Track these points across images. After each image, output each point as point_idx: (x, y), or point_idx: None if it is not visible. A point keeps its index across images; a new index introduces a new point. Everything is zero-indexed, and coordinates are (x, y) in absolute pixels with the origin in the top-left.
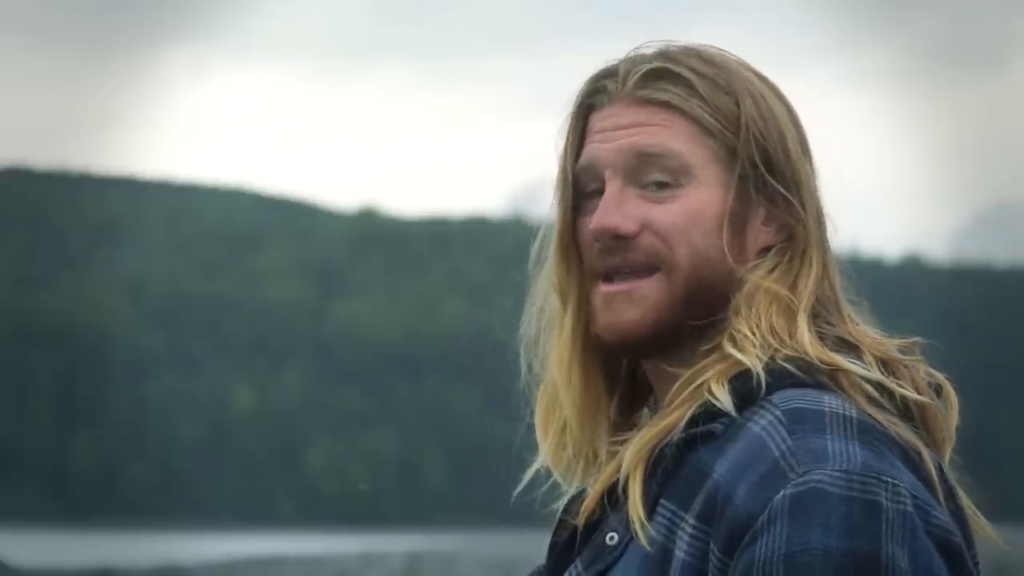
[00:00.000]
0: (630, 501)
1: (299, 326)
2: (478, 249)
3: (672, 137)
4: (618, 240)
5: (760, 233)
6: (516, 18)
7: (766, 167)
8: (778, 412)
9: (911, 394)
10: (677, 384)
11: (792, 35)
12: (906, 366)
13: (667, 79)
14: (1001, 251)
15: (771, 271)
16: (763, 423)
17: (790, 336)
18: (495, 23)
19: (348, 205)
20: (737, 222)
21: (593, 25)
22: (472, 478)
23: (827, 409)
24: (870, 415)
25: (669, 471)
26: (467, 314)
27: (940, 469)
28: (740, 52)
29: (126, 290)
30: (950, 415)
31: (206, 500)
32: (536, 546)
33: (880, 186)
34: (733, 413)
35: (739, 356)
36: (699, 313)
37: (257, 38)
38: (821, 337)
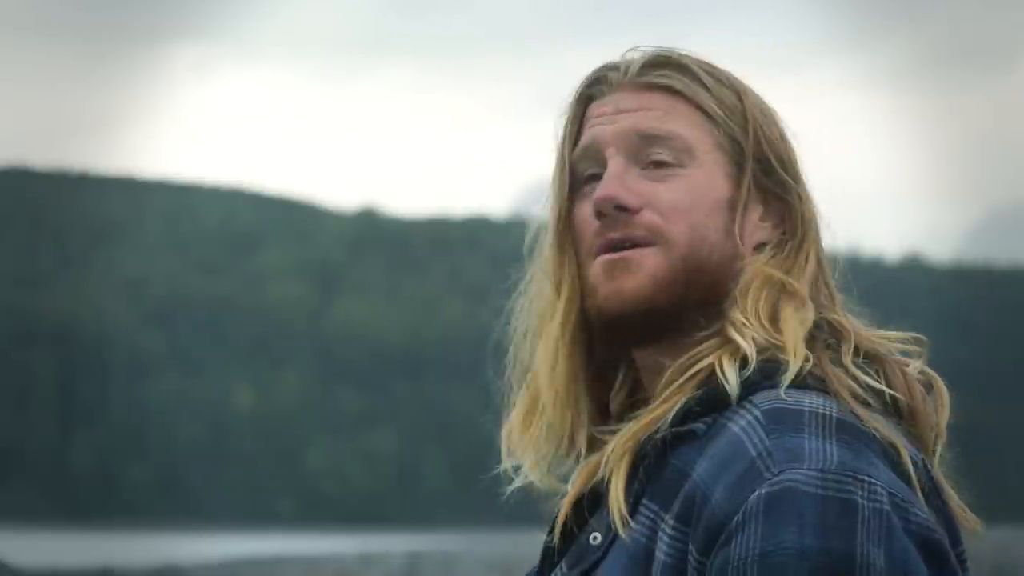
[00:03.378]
0: (611, 498)
1: (299, 326)
2: (478, 249)
3: (674, 121)
4: (620, 212)
5: (757, 228)
6: (518, 18)
7: (768, 162)
8: (757, 412)
9: (884, 388)
10: (670, 371)
11: (797, 34)
12: (895, 362)
13: (670, 67)
14: (1006, 251)
15: (768, 261)
16: (742, 423)
17: (784, 326)
18: (497, 23)
19: (348, 205)
20: (737, 210)
21: (596, 25)
22: (472, 478)
23: (807, 408)
24: (852, 413)
25: (651, 470)
26: (467, 314)
27: (924, 465)
28: (746, 51)
29: (126, 290)
30: (941, 412)
31: (206, 500)
32: (537, 546)
33: (882, 186)
34: (733, 399)
35: (740, 340)
36: (697, 299)
37: (256, 37)
38: (816, 326)
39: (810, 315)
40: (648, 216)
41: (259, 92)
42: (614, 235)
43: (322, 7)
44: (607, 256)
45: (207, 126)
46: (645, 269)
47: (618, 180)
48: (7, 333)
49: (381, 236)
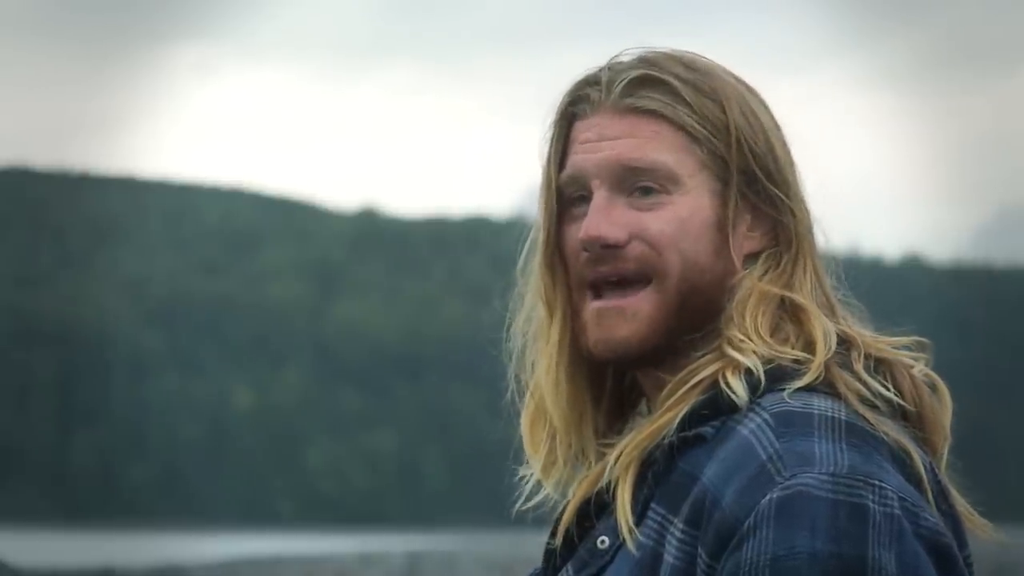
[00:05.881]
0: (618, 506)
1: (299, 326)
2: (478, 249)
3: (658, 148)
4: (607, 249)
5: (746, 239)
6: (518, 19)
7: (753, 174)
8: (766, 415)
9: (893, 396)
10: (671, 383)
11: (799, 34)
12: (902, 365)
13: (651, 86)
14: (1007, 252)
15: (764, 275)
16: (752, 426)
17: (796, 336)
18: (497, 24)
19: (348, 205)
20: (726, 228)
21: (595, 26)
22: (472, 478)
23: (816, 412)
24: (860, 416)
25: (660, 474)
26: (467, 314)
27: (932, 469)
28: (746, 51)
29: (126, 290)
30: (944, 414)
31: (206, 500)
32: (537, 546)
33: (882, 186)
34: (743, 404)
35: (739, 357)
36: (692, 322)
37: (257, 38)
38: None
39: (832, 329)
40: (637, 248)
41: (260, 92)
42: (604, 268)
43: (323, 8)
44: (598, 304)
45: (207, 126)
46: (640, 316)
47: (604, 215)
48: (7, 333)
49: (381, 236)
